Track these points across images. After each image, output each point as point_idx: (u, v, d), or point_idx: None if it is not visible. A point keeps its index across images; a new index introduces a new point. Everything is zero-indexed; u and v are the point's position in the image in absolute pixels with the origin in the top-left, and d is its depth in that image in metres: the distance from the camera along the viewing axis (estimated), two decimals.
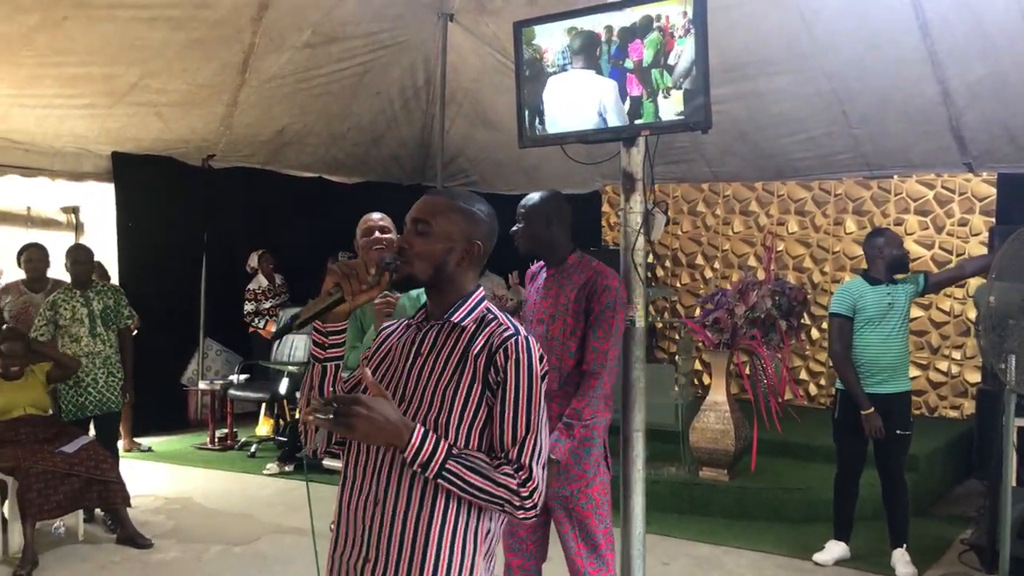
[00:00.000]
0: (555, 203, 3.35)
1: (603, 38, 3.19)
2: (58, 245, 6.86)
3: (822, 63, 7.02)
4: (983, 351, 5.73)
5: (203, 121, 8.00)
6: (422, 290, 2.01)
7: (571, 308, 3.25)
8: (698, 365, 9.02)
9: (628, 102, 3.17)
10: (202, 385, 8.35)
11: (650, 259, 9.50)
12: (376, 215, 3.77)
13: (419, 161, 10.31)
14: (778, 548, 5.40)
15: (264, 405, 8.28)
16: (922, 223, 8.33)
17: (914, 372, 7.65)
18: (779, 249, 8.98)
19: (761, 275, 6.86)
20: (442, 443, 1.78)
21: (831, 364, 6.17)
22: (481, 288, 2.01)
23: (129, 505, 5.42)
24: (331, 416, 1.71)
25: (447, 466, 1.77)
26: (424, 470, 1.77)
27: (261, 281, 8.73)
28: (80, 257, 5.77)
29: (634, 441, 3.32)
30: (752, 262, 9.10)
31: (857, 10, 6.49)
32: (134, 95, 7.20)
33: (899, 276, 4.97)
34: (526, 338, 1.89)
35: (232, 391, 8.04)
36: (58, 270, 6.22)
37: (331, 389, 1.98)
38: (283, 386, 7.70)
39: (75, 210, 9.22)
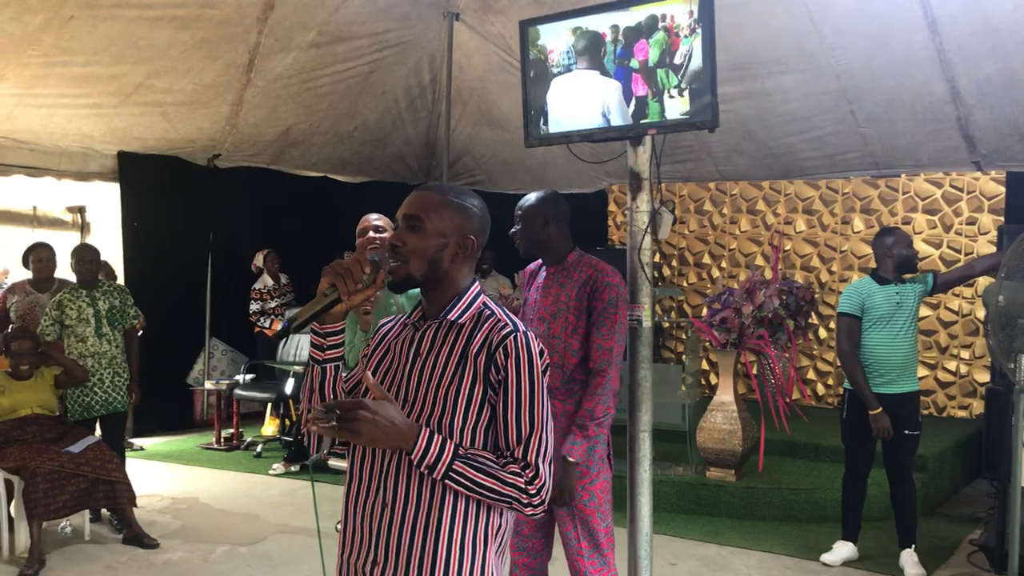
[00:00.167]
0: (551, 203, 3.34)
1: (608, 38, 3.17)
2: (64, 245, 6.88)
3: (830, 62, 6.99)
4: (992, 351, 5.69)
5: (209, 121, 8.00)
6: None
7: (572, 306, 3.25)
8: (705, 365, 9.00)
9: (633, 102, 3.15)
10: (208, 385, 8.35)
11: (657, 258, 9.48)
12: (373, 216, 3.80)
13: (425, 160, 10.31)
14: (786, 549, 5.38)
15: (270, 405, 8.28)
16: (930, 222, 8.29)
17: (922, 372, 7.62)
18: (786, 248, 8.96)
19: (768, 274, 6.83)
20: (448, 444, 1.77)
21: (839, 364, 6.15)
22: (477, 283, 1.98)
23: (135, 505, 5.42)
24: (334, 424, 1.70)
25: (454, 467, 1.76)
26: (431, 472, 1.76)
27: (266, 280, 8.74)
28: (86, 256, 5.77)
29: (641, 441, 3.30)
30: (759, 261, 9.07)
31: (865, 8, 6.46)
32: (140, 95, 7.21)
33: (908, 276, 4.94)
34: (525, 334, 1.86)
35: (238, 391, 8.05)
36: (64, 270, 6.22)
37: (332, 393, 1.97)
38: (289, 386, 7.69)
39: (81, 210, 9.25)
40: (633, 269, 3.31)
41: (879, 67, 6.89)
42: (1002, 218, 7.82)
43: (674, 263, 9.78)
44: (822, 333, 8.73)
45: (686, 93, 3.03)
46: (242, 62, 7.35)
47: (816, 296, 7.06)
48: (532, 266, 3.54)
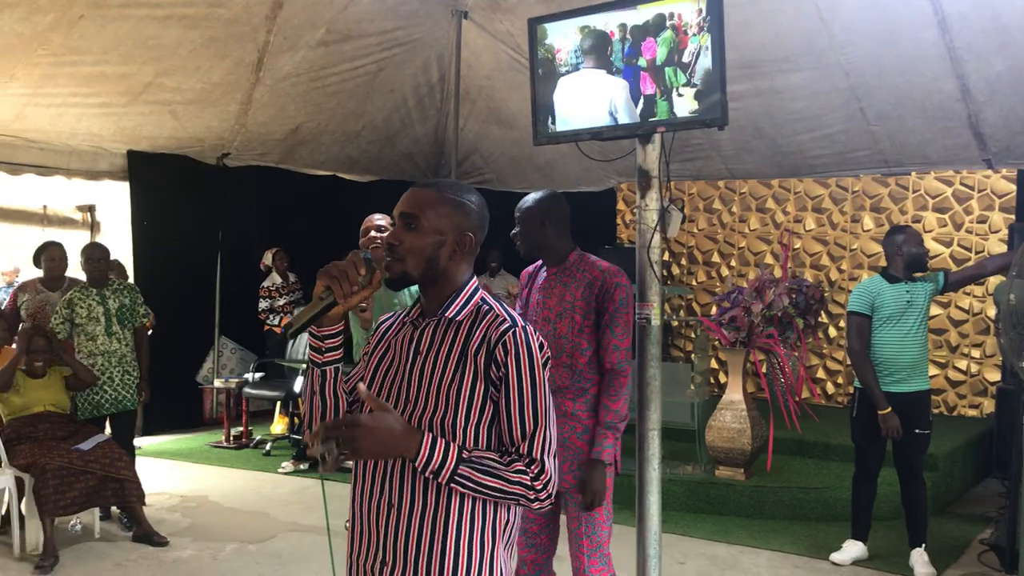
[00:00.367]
0: (548, 204, 3.34)
1: (616, 36, 3.16)
2: (74, 244, 6.90)
3: (839, 59, 6.96)
4: (1003, 349, 5.65)
5: (217, 120, 8.02)
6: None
7: (579, 306, 3.25)
8: (714, 364, 8.98)
9: (642, 101, 3.14)
10: (217, 383, 8.37)
11: (666, 257, 9.47)
12: (377, 216, 3.81)
13: (433, 159, 10.31)
14: (795, 548, 5.37)
15: (279, 403, 8.30)
16: (940, 220, 8.26)
17: (933, 371, 7.59)
18: (796, 247, 8.93)
19: (778, 273, 6.81)
20: (452, 448, 1.75)
21: (848, 362, 6.11)
22: (475, 279, 1.96)
23: (144, 503, 5.43)
24: (334, 448, 1.70)
25: (459, 471, 1.75)
26: (436, 476, 1.75)
27: (275, 278, 8.76)
28: (96, 255, 5.79)
29: (650, 440, 3.29)
30: (769, 260, 9.05)
31: (875, 6, 6.43)
32: (149, 94, 7.22)
33: (918, 274, 4.92)
34: (524, 328, 1.85)
35: (247, 389, 8.06)
36: (74, 269, 6.24)
37: (332, 395, 1.96)
38: (298, 384, 7.71)
39: (91, 209, 9.28)
40: (642, 267, 3.30)
41: (889, 65, 6.86)
42: (1013, 216, 7.79)
43: (683, 261, 9.77)
44: (832, 332, 8.71)
45: (695, 91, 3.02)
46: (251, 61, 7.36)
47: (826, 295, 7.05)
48: (531, 268, 3.53)
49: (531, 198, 3.36)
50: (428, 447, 1.73)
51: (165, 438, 8.26)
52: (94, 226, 9.37)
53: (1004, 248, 7.80)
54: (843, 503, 5.47)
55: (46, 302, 6.12)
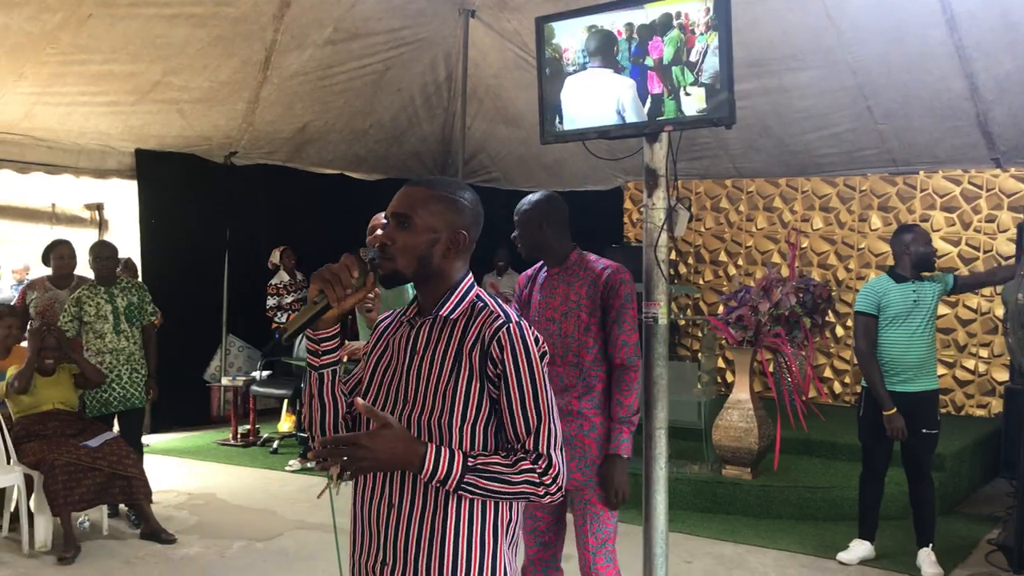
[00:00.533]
0: (545, 206, 3.34)
1: (623, 35, 3.16)
2: (82, 242, 6.91)
3: (847, 58, 6.95)
4: (1011, 349, 5.65)
5: (225, 118, 8.04)
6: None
7: (584, 304, 3.26)
8: (721, 363, 8.98)
9: (649, 100, 3.14)
10: (225, 381, 8.39)
11: (673, 256, 9.46)
12: (382, 215, 3.80)
13: (440, 158, 10.31)
14: (802, 547, 5.36)
15: (286, 401, 8.31)
16: (949, 219, 8.24)
17: (941, 370, 7.58)
18: (803, 246, 8.92)
19: (785, 272, 6.81)
20: (457, 457, 1.74)
21: (856, 362, 6.10)
22: (470, 275, 1.95)
23: (152, 501, 5.45)
24: (339, 472, 1.70)
25: (466, 479, 1.74)
26: (443, 485, 1.75)
27: (283, 276, 8.78)
28: (104, 253, 5.80)
29: (657, 438, 3.29)
30: (776, 259, 9.04)
31: (883, 4, 6.42)
32: (157, 92, 7.24)
33: (926, 274, 4.91)
34: (518, 324, 1.84)
35: (254, 387, 8.07)
36: (82, 267, 6.26)
37: (331, 397, 1.96)
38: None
39: (99, 207, 9.32)
40: (649, 266, 3.30)
41: (896, 63, 6.85)
42: (1022, 215, 7.75)
43: (690, 260, 9.76)
44: (839, 331, 8.69)
45: (702, 90, 3.02)
46: (258, 59, 7.38)
47: (833, 294, 7.04)
48: (530, 270, 3.54)
49: (528, 200, 3.36)
50: (432, 460, 1.72)
51: (173, 436, 8.28)
52: (102, 224, 9.41)
53: (1012, 248, 7.79)
54: (850, 502, 5.46)
55: (55, 300, 6.14)
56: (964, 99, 6.92)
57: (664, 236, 3.28)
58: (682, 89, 3.05)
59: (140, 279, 7.49)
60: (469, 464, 1.74)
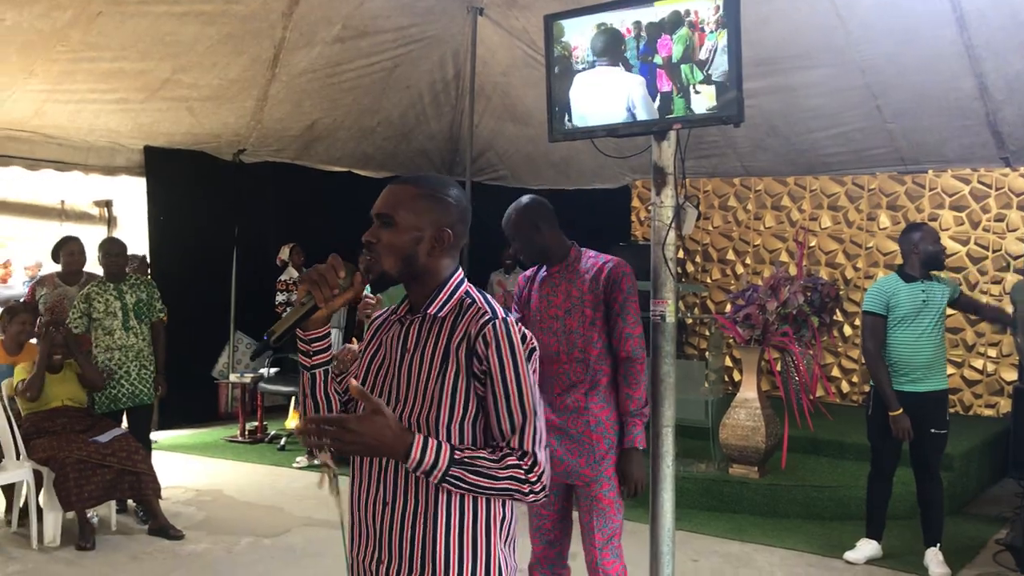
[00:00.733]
0: (535, 208, 3.34)
1: (632, 34, 3.16)
2: (91, 239, 6.95)
3: (856, 57, 6.93)
4: (1019, 349, 5.65)
5: (234, 116, 8.06)
6: None
7: (588, 300, 3.27)
8: (729, 361, 8.97)
9: (658, 98, 3.14)
10: (232, 378, 8.41)
11: (680, 254, 9.45)
12: None
13: (448, 156, 10.32)
14: (809, 546, 5.36)
15: (294, 398, 8.33)
16: (957, 219, 8.21)
17: (949, 370, 7.54)
18: (811, 245, 8.90)
19: (793, 271, 6.79)
20: (443, 450, 1.73)
21: (863, 361, 6.07)
22: (459, 272, 1.95)
23: (160, 496, 5.47)
24: (330, 461, 1.70)
25: (451, 472, 1.73)
26: (427, 476, 1.74)
27: (292, 272, 8.80)
28: (113, 250, 5.83)
29: (664, 436, 3.30)
30: (784, 258, 9.02)
31: (893, 3, 6.40)
32: (166, 90, 7.27)
33: (935, 272, 4.89)
34: (504, 320, 1.83)
35: (262, 384, 8.10)
36: (92, 264, 6.29)
37: (324, 397, 1.96)
38: None
39: (108, 204, 9.35)
40: (657, 264, 3.30)
41: (906, 62, 6.84)
42: None
43: (698, 259, 9.75)
44: (847, 330, 8.67)
45: (712, 88, 3.02)
46: (267, 57, 7.40)
47: (841, 293, 7.03)
48: (528, 271, 3.53)
49: (514, 208, 3.35)
50: (419, 449, 1.71)
51: (181, 432, 8.31)
52: (111, 221, 9.45)
53: (1022, 247, 7.78)
54: (857, 502, 5.45)
55: (64, 296, 6.16)
56: (973, 98, 6.91)
57: (672, 234, 3.28)
58: (691, 87, 3.05)
59: (149, 276, 7.52)
60: (456, 457, 1.74)
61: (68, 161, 7.68)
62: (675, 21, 3.06)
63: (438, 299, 1.89)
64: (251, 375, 8.23)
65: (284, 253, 8.88)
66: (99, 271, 5.96)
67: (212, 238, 8.59)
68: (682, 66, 3.07)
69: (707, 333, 9.24)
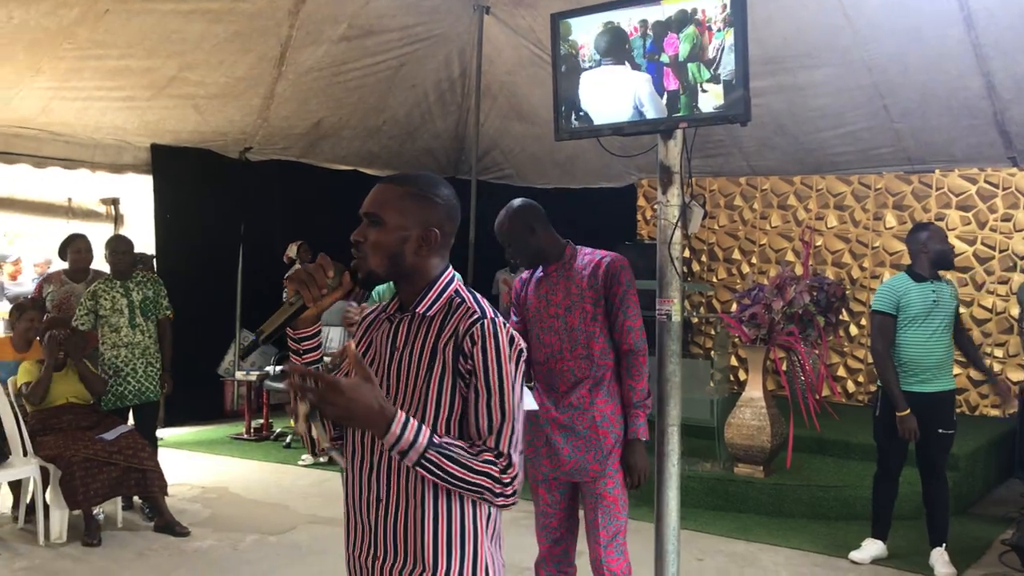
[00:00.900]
0: (528, 210, 3.35)
1: (638, 32, 3.16)
2: (98, 236, 6.96)
3: (863, 56, 6.92)
4: None
5: (240, 114, 8.07)
6: None
7: (587, 295, 3.28)
8: (734, 361, 8.96)
9: (665, 96, 3.14)
10: (238, 376, 8.42)
11: (686, 253, 9.44)
12: None
13: (454, 154, 10.32)
14: (814, 546, 5.35)
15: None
16: (964, 218, 8.19)
17: (955, 370, 7.53)
18: (817, 244, 8.89)
19: (799, 270, 6.79)
20: (423, 432, 1.72)
21: (870, 361, 6.06)
22: (449, 270, 1.94)
23: (166, 493, 5.48)
24: (319, 421, 1.70)
25: (427, 455, 1.72)
26: (403, 458, 1.72)
27: None
28: (120, 248, 5.84)
29: (669, 435, 3.29)
30: (790, 257, 9.01)
31: (900, 2, 6.39)
32: (173, 88, 7.28)
33: (944, 272, 4.87)
34: (492, 320, 1.83)
35: (268, 382, 8.10)
36: (98, 261, 6.30)
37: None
38: None
39: (115, 202, 9.36)
40: (663, 263, 3.30)
41: (913, 62, 6.82)
42: None
43: (704, 258, 9.74)
44: (853, 330, 8.66)
45: (718, 87, 3.01)
46: (273, 55, 7.40)
47: (847, 293, 7.01)
48: (524, 274, 3.53)
49: (506, 213, 3.35)
50: (400, 424, 1.70)
51: (187, 429, 8.33)
52: (118, 219, 9.46)
53: None
54: (863, 502, 5.44)
55: (71, 294, 6.18)
56: (981, 98, 6.89)
57: (678, 233, 3.28)
58: (699, 86, 3.05)
59: (155, 274, 7.53)
60: (435, 441, 1.73)
61: (75, 159, 7.70)
62: (682, 19, 3.06)
63: (427, 298, 1.89)
64: (257, 373, 8.24)
65: (292, 251, 8.88)
66: (106, 268, 5.98)
67: (218, 236, 8.60)
68: (689, 65, 3.07)
69: (713, 332, 9.23)
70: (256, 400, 8.31)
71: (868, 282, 8.58)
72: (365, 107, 8.75)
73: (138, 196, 8.73)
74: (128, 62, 6.78)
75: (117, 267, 5.79)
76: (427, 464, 1.72)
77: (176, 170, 8.26)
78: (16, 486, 5.55)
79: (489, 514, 1.89)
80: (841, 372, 8.79)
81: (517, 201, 3.39)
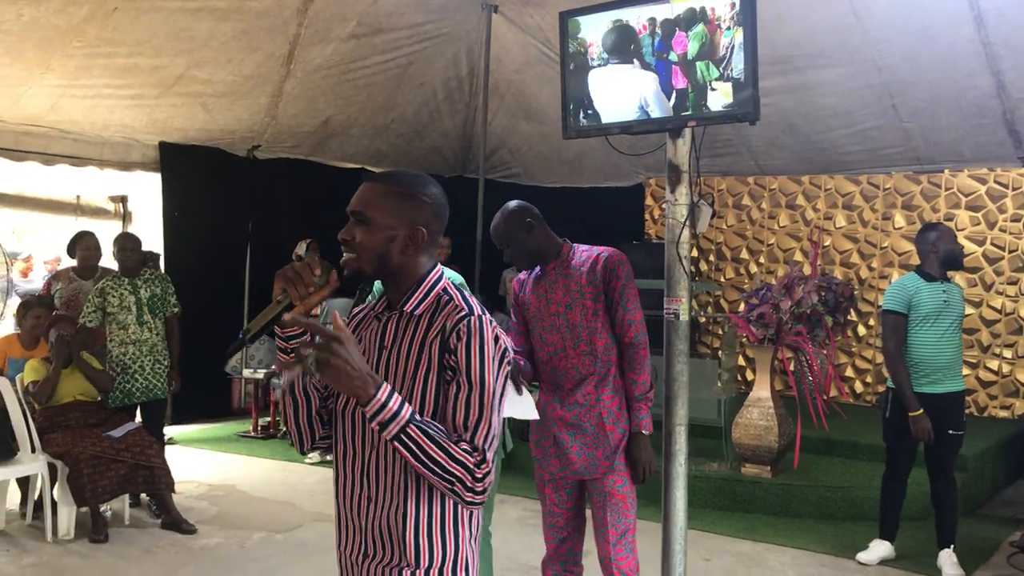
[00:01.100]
0: (524, 211, 3.35)
1: (647, 31, 3.15)
2: (106, 234, 6.97)
3: (873, 55, 6.90)
4: None
5: (248, 112, 8.08)
6: None
7: (587, 291, 3.28)
8: (742, 361, 8.94)
9: (674, 95, 3.13)
10: (246, 374, 8.43)
11: (694, 253, 9.42)
12: None
13: (461, 153, 10.32)
14: (821, 546, 5.33)
15: None
16: (974, 218, 8.16)
17: (964, 371, 7.52)
18: (826, 244, 8.86)
19: (807, 270, 6.76)
20: (406, 407, 1.72)
21: (878, 361, 6.04)
22: (437, 268, 1.94)
23: (173, 491, 5.49)
24: (310, 353, 1.66)
25: (408, 430, 1.71)
26: (383, 429, 1.71)
27: None
28: (128, 245, 5.85)
29: (676, 435, 3.29)
30: (798, 257, 8.98)
31: (909, 1, 6.37)
32: (181, 86, 7.29)
33: (951, 272, 4.85)
34: (479, 318, 1.83)
35: (275, 380, 8.10)
36: (107, 258, 6.31)
37: (303, 394, 1.98)
38: None
39: (123, 199, 9.38)
40: (671, 262, 3.29)
41: (923, 61, 6.79)
42: None
43: (711, 258, 9.72)
44: (861, 330, 8.63)
45: (728, 85, 3.00)
46: (282, 53, 7.41)
47: (855, 293, 6.99)
48: (522, 275, 3.53)
49: (501, 217, 3.36)
50: (385, 394, 1.69)
51: (194, 427, 8.35)
52: (126, 216, 9.48)
53: None
54: (870, 502, 5.43)
55: (79, 291, 6.19)
56: (991, 97, 6.86)
57: (686, 232, 3.27)
58: (708, 84, 3.04)
59: (162, 271, 7.55)
60: (417, 418, 1.73)
61: (84, 156, 7.71)
62: (691, 18, 3.05)
63: (414, 297, 1.90)
64: (264, 371, 8.25)
65: (301, 248, 8.87)
66: (114, 266, 5.99)
67: (226, 234, 8.62)
68: (697, 63, 3.06)
69: (720, 332, 9.21)
70: (263, 398, 8.33)
71: (876, 282, 8.55)
72: (373, 105, 8.76)
73: (146, 194, 8.75)
74: (137, 60, 6.80)
75: (125, 264, 5.80)
76: (406, 440, 1.71)
77: (184, 168, 8.27)
78: (24, 483, 5.57)
79: (470, 514, 1.90)
80: (849, 372, 8.76)
81: (512, 203, 3.40)
